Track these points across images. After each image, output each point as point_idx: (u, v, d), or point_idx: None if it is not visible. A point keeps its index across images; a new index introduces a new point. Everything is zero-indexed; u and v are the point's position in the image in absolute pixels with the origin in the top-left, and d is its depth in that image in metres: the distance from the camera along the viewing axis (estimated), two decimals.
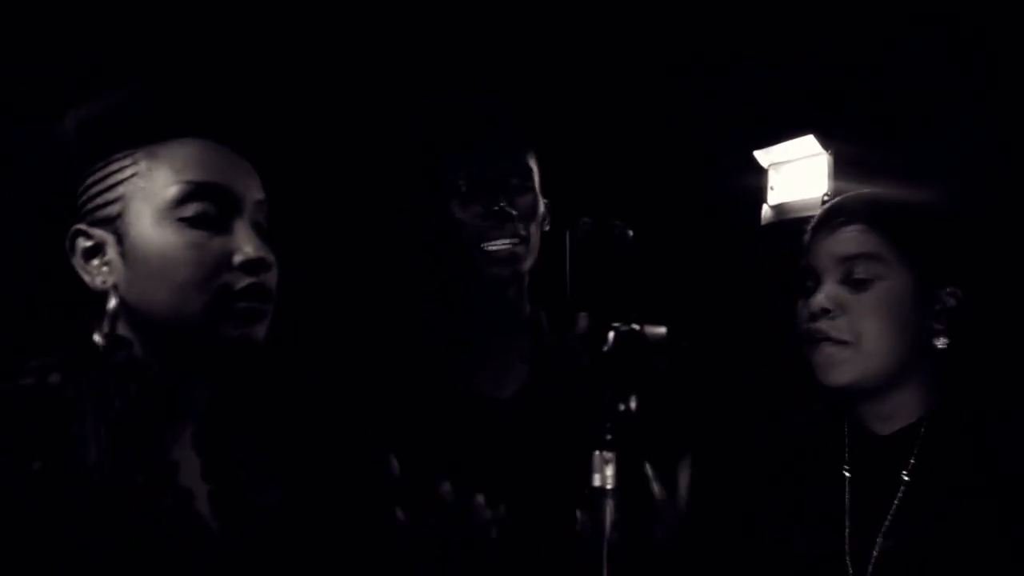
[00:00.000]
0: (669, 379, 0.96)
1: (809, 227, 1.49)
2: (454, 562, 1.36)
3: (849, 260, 1.39)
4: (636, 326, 0.94)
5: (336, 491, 1.47)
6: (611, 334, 0.94)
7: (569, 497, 1.40)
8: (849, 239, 1.40)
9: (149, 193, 1.12)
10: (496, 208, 1.56)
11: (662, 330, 0.95)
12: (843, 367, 1.36)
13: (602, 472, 0.98)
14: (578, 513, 1.38)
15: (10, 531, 0.97)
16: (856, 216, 1.42)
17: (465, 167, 1.59)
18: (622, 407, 0.93)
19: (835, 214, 1.45)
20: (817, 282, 1.41)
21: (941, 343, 1.39)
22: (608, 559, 1.01)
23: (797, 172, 2.11)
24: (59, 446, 1.02)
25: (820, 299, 1.38)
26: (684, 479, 1.39)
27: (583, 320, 0.97)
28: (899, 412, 1.40)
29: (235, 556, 1.14)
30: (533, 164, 1.64)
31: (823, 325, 1.38)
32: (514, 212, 1.57)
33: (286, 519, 1.24)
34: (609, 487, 0.98)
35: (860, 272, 1.38)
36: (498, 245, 1.57)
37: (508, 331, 1.65)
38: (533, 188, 1.63)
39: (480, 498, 1.35)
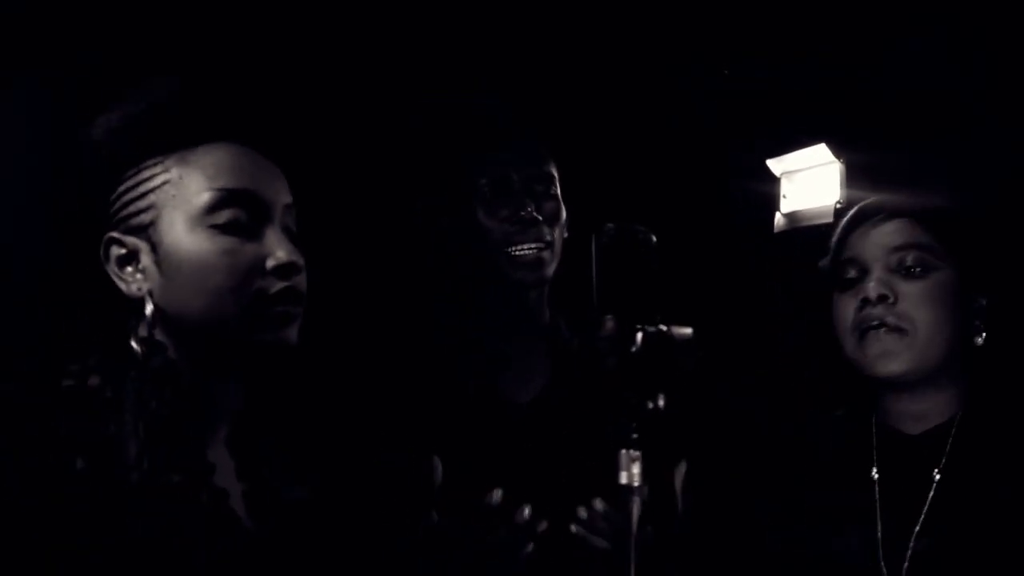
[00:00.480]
0: (695, 379, 0.98)
1: (841, 225, 1.50)
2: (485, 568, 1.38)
3: (901, 250, 1.39)
4: (663, 327, 0.96)
5: (366, 491, 1.50)
6: (639, 335, 0.96)
7: (588, 497, 1.44)
8: (897, 231, 1.41)
9: (181, 201, 1.13)
10: (524, 213, 1.58)
11: (688, 331, 0.98)
12: (900, 357, 1.36)
13: (629, 470, 1.00)
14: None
15: (52, 526, 0.99)
16: (900, 211, 1.44)
17: (489, 171, 1.62)
18: (650, 405, 0.95)
19: (876, 210, 1.46)
20: (864, 272, 1.41)
21: (980, 340, 1.40)
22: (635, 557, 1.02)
23: (809, 180, 2.14)
24: (99, 446, 1.05)
25: (875, 286, 1.38)
26: (677, 483, 1.42)
27: (609, 323, 0.99)
28: (932, 412, 1.40)
29: (268, 554, 1.16)
30: (555, 171, 1.67)
31: (879, 311, 1.37)
32: (540, 217, 1.60)
33: (317, 518, 1.26)
34: (636, 484, 1.00)
35: (912, 261, 1.39)
36: (524, 250, 1.59)
37: (529, 336, 1.67)
38: (556, 194, 1.66)
39: (527, 510, 1.38)
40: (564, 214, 1.67)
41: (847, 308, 1.41)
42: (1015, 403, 1.40)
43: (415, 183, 1.73)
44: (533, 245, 1.60)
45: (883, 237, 1.41)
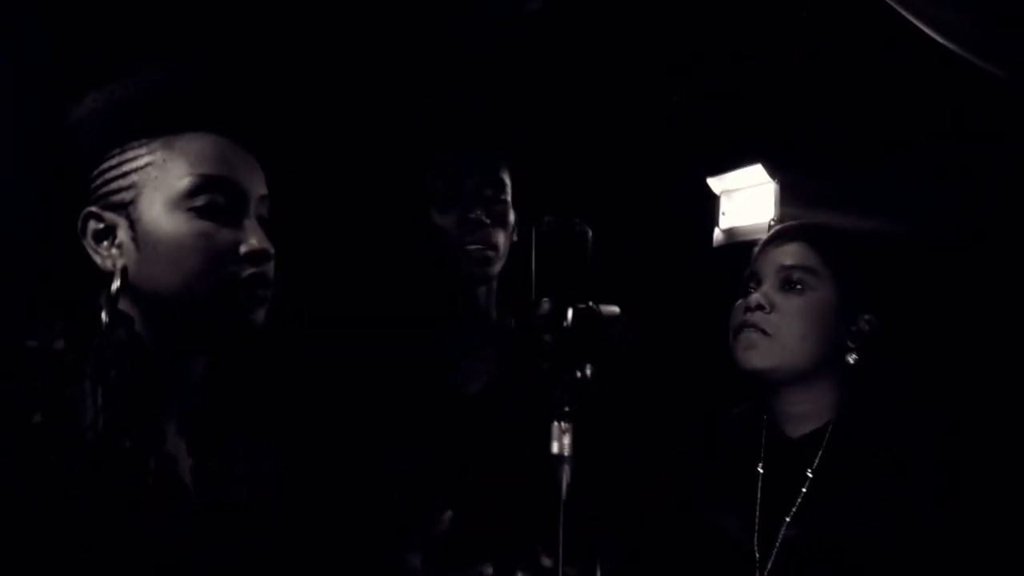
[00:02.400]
0: (622, 351, 1.10)
1: (758, 244, 1.68)
2: None
3: (787, 269, 1.58)
4: (592, 304, 1.08)
5: (320, 481, 1.58)
6: (570, 311, 1.08)
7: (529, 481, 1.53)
8: (790, 252, 1.60)
9: (162, 183, 1.19)
10: (472, 216, 1.70)
11: (615, 308, 1.10)
12: (759, 351, 1.54)
13: (560, 441, 1.11)
14: None
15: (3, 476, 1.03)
16: (799, 235, 1.62)
17: (444, 175, 1.74)
18: (578, 374, 1.06)
19: (782, 232, 1.65)
20: (759, 285, 1.60)
21: (852, 359, 1.57)
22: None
23: (746, 199, 2.26)
24: (57, 405, 1.09)
25: (757, 297, 1.57)
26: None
27: (546, 304, 1.11)
28: (809, 416, 1.57)
29: (210, 522, 1.21)
30: (507, 178, 1.78)
31: (756, 318, 1.55)
32: (487, 220, 1.71)
33: (266, 496, 1.31)
34: (566, 454, 1.11)
35: (795, 279, 1.57)
36: (472, 249, 1.71)
37: (478, 331, 1.79)
38: (506, 200, 1.77)
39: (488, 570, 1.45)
40: (512, 218, 1.79)
41: (736, 312, 1.61)
42: (881, 413, 1.56)
43: (411, 197, 1.84)
44: (480, 246, 1.72)
45: (779, 256, 1.60)
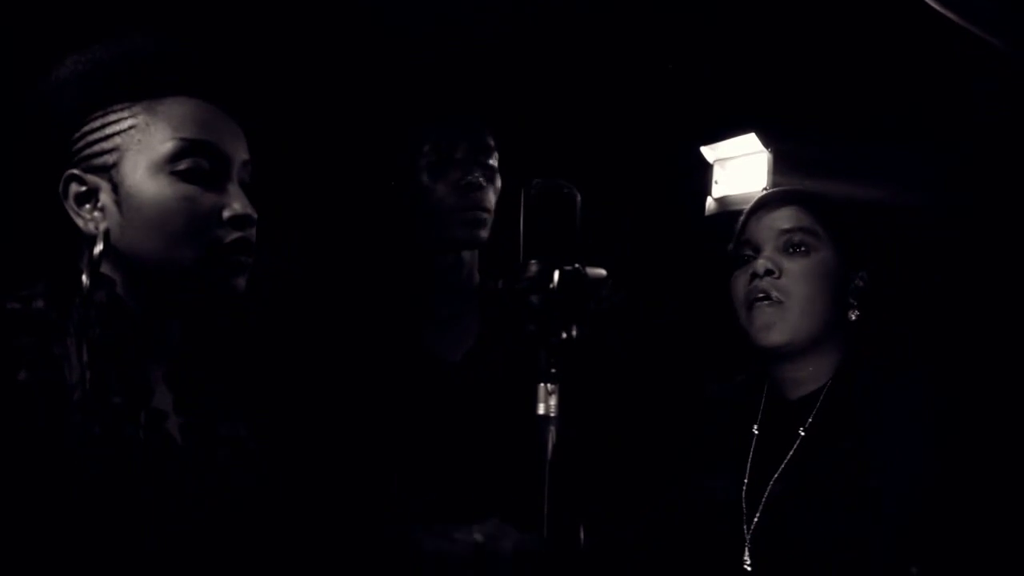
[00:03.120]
0: (608, 313, 1.10)
1: (745, 211, 1.67)
2: None
3: (788, 232, 1.57)
4: (579, 266, 1.08)
5: (297, 435, 1.57)
6: (556, 273, 1.07)
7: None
8: (788, 216, 1.59)
9: (145, 146, 1.19)
10: (471, 178, 1.69)
11: (602, 271, 1.09)
12: (778, 327, 1.53)
13: (546, 402, 1.11)
14: None
15: None
16: (792, 199, 1.61)
17: (433, 140, 1.72)
18: (564, 335, 1.06)
19: (773, 197, 1.64)
20: (757, 252, 1.59)
21: (854, 316, 1.57)
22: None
23: (740, 168, 2.25)
24: (42, 362, 1.09)
25: (763, 262, 1.56)
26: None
27: (533, 266, 1.10)
28: (809, 379, 1.57)
29: (199, 474, 1.21)
30: (494, 143, 1.77)
31: (765, 284, 1.54)
32: (483, 184, 1.71)
33: (249, 450, 1.31)
34: (552, 415, 1.11)
35: (797, 241, 1.56)
36: (470, 213, 1.70)
37: (461, 297, 1.78)
38: (495, 166, 1.76)
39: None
40: (499, 183, 1.78)
41: (740, 283, 1.59)
42: (876, 374, 1.56)
43: (364, 150, 1.82)
44: (476, 210, 1.71)
45: (774, 221, 1.59)
